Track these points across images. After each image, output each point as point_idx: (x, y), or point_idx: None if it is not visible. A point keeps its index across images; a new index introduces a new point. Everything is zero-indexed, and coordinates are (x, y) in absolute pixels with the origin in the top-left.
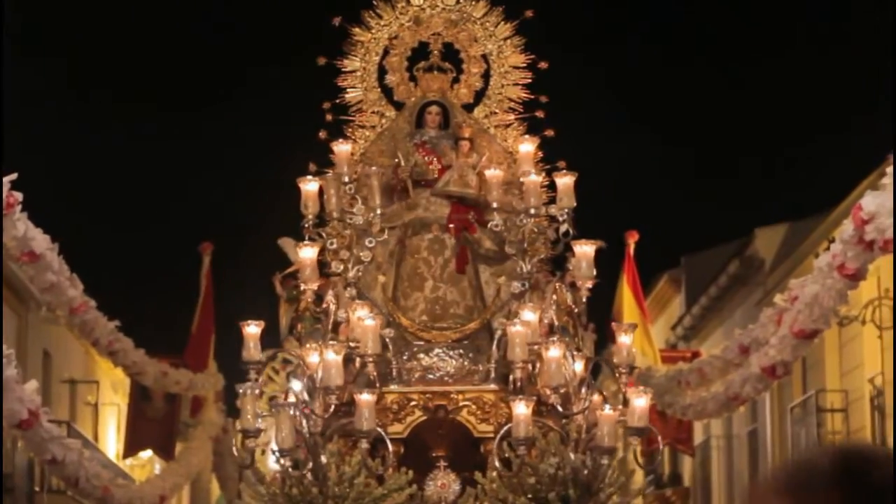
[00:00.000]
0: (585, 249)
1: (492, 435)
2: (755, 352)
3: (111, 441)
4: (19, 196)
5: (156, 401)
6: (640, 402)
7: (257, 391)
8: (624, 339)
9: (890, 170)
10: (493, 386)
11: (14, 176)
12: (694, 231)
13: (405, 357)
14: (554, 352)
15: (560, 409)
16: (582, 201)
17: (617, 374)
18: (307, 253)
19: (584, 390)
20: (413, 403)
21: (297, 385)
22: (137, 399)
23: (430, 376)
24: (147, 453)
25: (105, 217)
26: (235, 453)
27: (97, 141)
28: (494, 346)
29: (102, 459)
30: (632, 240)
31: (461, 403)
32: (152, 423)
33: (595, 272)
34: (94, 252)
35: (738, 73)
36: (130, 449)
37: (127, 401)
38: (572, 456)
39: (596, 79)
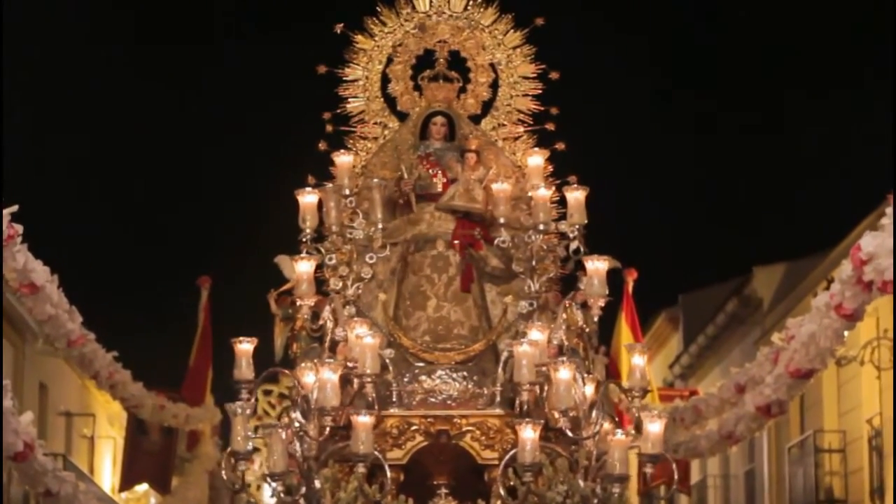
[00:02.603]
0: (598, 266)
1: (497, 462)
2: (751, 390)
3: (107, 474)
4: (19, 228)
5: (152, 434)
6: (655, 427)
7: (248, 411)
8: (637, 360)
9: (889, 210)
10: (498, 410)
11: (15, 208)
12: (692, 269)
13: (406, 379)
14: (563, 373)
15: (569, 433)
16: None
17: (629, 399)
18: (303, 267)
19: (594, 414)
20: (414, 428)
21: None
22: (134, 432)
23: (433, 399)
24: (143, 487)
25: (103, 245)
26: (225, 477)
27: (94, 166)
28: (500, 369)
29: (98, 493)
30: (630, 278)
31: (465, 428)
32: (149, 457)
33: (608, 290)
34: (91, 284)
35: (740, 112)
36: (126, 482)
37: (123, 434)
38: (582, 484)
39: (594, 114)
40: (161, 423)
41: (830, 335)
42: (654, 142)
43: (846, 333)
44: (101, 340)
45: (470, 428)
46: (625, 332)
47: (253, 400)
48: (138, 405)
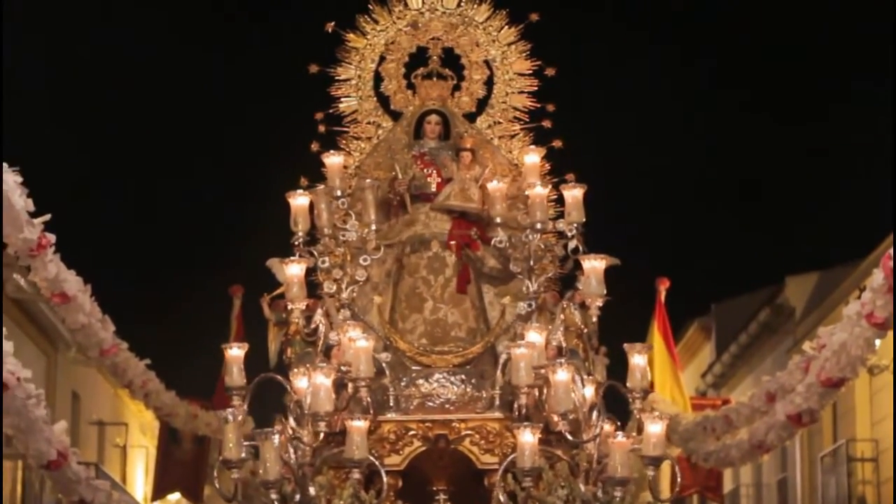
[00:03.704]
0: (595, 265)
1: (496, 466)
2: (781, 399)
3: (139, 483)
4: (52, 237)
5: (185, 443)
6: (656, 428)
7: (240, 418)
8: (638, 360)
9: None
10: (497, 414)
11: (47, 217)
12: (724, 278)
13: (403, 383)
14: (562, 375)
15: (569, 437)
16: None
17: (630, 400)
18: (294, 270)
19: (594, 416)
20: (412, 433)
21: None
22: (167, 441)
23: (430, 404)
24: (175, 496)
25: (134, 252)
26: (217, 485)
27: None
28: (499, 372)
29: (131, 502)
30: (663, 287)
31: (463, 433)
32: (181, 466)
33: (605, 290)
34: (123, 291)
35: (771, 119)
36: (159, 491)
37: (155, 443)
38: (583, 488)
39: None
40: (194, 431)
41: (861, 344)
42: (685, 151)
43: (878, 342)
44: (133, 350)
45: (469, 432)
46: (657, 341)
47: (245, 406)
48: (171, 414)
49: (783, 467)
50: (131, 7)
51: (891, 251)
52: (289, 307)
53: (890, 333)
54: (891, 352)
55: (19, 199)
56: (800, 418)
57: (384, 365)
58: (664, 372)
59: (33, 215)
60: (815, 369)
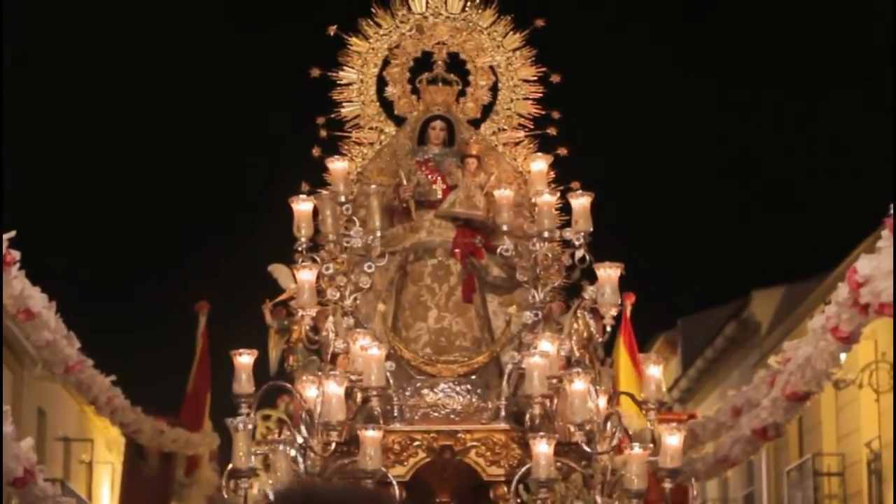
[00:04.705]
0: (610, 273)
1: (502, 478)
2: (747, 413)
3: (105, 500)
4: (17, 254)
5: (151, 459)
6: (673, 440)
7: (250, 426)
8: (653, 371)
9: (886, 233)
10: (503, 425)
11: (13, 233)
12: (690, 293)
13: (407, 393)
14: (578, 385)
15: (586, 448)
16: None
17: (644, 411)
18: (305, 275)
19: (609, 427)
20: (416, 444)
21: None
22: (132, 457)
23: (435, 414)
24: None
25: (101, 269)
26: (225, 496)
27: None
28: (505, 382)
29: None
30: (629, 301)
31: (469, 444)
32: (147, 482)
33: (620, 299)
34: (87, 308)
35: (743, 133)
36: None
37: (121, 459)
38: (598, 500)
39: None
40: (160, 448)
41: (826, 358)
42: (653, 164)
43: (843, 356)
44: (99, 366)
45: (475, 443)
46: (623, 356)
47: (253, 416)
48: (137, 430)
49: (750, 481)
50: (125, 13)
51: (856, 265)
52: (299, 313)
53: (856, 347)
54: (857, 366)
55: None
56: (765, 432)
57: (388, 374)
58: (630, 387)
59: None
60: (781, 383)
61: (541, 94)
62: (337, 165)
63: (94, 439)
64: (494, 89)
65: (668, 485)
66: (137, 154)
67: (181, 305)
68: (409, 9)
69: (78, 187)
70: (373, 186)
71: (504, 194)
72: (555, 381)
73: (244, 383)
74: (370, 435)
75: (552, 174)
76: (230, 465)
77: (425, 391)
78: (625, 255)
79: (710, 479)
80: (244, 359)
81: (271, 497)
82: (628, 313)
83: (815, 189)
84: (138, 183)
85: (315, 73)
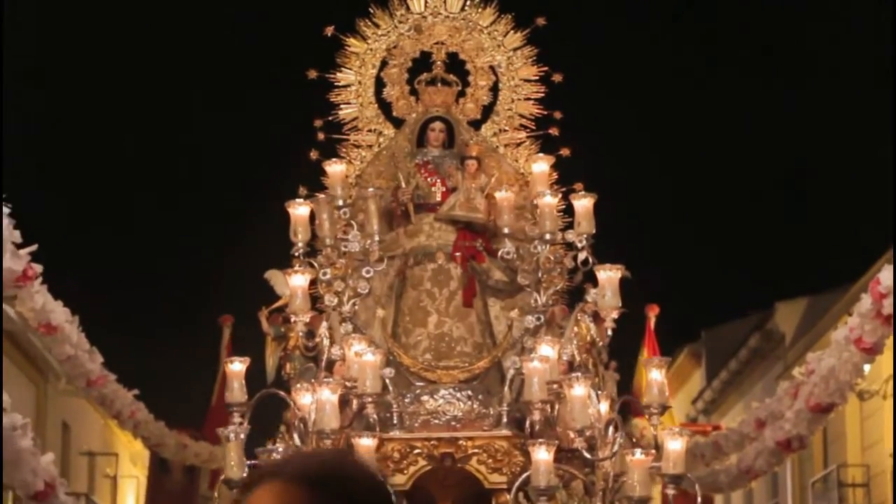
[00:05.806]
0: (610, 275)
1: (504, 486)
2: (771, 425)
3: None
4: (39, 268)
5: (175, 473)
6: (676, 445)
7: (242, 437)
8: (655, 375)
9: None
10: (505, 431)
11: (34, 247)
12: (714, 305)
13: (407, 400)
14: (578, 390)
15: (587, 454)
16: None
17: (648, 416)
18: (297, 281)
19: (611, 433)
20: (417, 451)
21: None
22: (156, 471)
23: (436, 421)
24: None
25: (125, 284)
26: None
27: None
28: (507, 388)
29: None
30: (652, 313)
31: (470, 451)
32: (171, 496)
33: (621, 302)
34: (111, 321)
35: (765, 142)
36: None
37: (145, 473)
38: None
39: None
40: (183, 462)
41: (850, 369)
42: (676, 176)
43: (867, 367)
44: (123, 380)
45: (476, 450)
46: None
47: (247, 424)
48: (160, 444)
49: (775, 493)
50: (122, 18)
51: (879, 276)
52: (291, 320)
53: (880, 358)
54: (881, 377)
55: (6, 230)
56: (789, 444)
57: (387, 381)
58: None
59: (21, 246)
60: (804, 395)
61: (542, 94)
62: (335, 168)
63: (118, 453)
64: (495, 89)
65: (671, 491)
66: (138, 155)
67: (204, 319)
68: (408, 8)
69: (93, 200)
70: (371, 190)
71: (505, 196)
72: (555, 386)
73: (236, 392)
74: (365, 443)
75: (554, 175)
76: (222, 476)
77: (425, 397)
78: (650, 268)
79: (733, 490)
80: (236, 367)
81: None
82: (652, 325)
83: (838, 200)
84: (139, 187)
85: (312, 74)
